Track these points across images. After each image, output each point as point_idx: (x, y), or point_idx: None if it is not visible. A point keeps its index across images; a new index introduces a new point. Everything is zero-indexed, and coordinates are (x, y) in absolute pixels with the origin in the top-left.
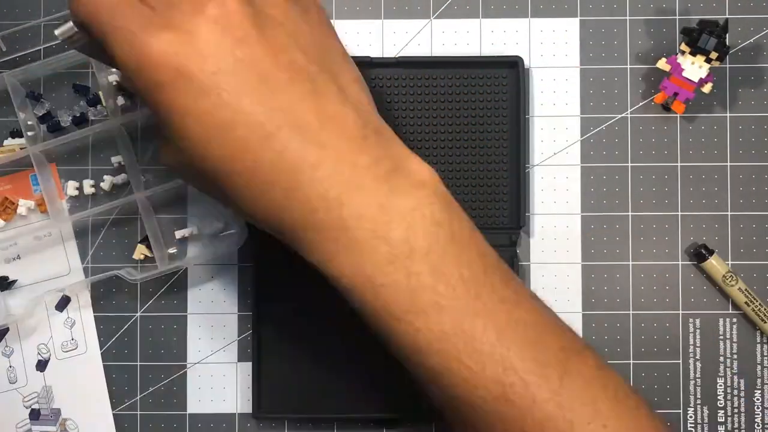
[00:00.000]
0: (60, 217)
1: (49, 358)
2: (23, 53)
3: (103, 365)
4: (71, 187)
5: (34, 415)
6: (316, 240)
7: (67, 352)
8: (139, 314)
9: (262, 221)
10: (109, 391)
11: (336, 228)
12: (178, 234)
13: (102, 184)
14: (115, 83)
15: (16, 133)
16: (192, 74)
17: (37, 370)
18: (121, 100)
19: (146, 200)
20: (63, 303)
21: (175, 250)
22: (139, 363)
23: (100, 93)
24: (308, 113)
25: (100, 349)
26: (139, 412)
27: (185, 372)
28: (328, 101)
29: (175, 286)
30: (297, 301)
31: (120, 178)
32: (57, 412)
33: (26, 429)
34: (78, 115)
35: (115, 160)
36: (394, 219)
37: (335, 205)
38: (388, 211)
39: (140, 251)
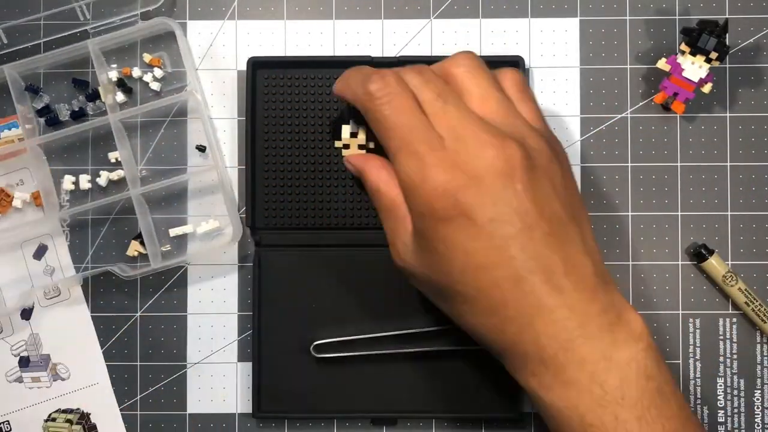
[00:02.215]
0: (55, 211)
1: (33, 306)
2: (23, 46)
3: (104, 365)
4: (68, 181)
5: (24, 363)
6: (537, 371)
7: (50, 299)
8: (138, 314)
9: (483, 341)
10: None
11: (558, 365)
12: (173, 232)
13: (98, 180)
14: (115, 79)
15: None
16: (473, 217)
17: (22, 318)
18: (120, 96)
19: (142, 197)
20: (40, 251)
21: (169, 248)
22: (139, 363)
23: (100, 88)
24: (556, 261)
25: (101, 349)
26: (139, 412)
27: (185, 372)
28: (574, 250)
29: (175, 285)
30: (297, 301)
31: (116, 175)
32: (47, 358)
33: (17, 377)
34: (77, 109)
35: (113, 156)
36: (613, 368)
37: (563, 346)
38: (608, 360)
39: (134, 248)
